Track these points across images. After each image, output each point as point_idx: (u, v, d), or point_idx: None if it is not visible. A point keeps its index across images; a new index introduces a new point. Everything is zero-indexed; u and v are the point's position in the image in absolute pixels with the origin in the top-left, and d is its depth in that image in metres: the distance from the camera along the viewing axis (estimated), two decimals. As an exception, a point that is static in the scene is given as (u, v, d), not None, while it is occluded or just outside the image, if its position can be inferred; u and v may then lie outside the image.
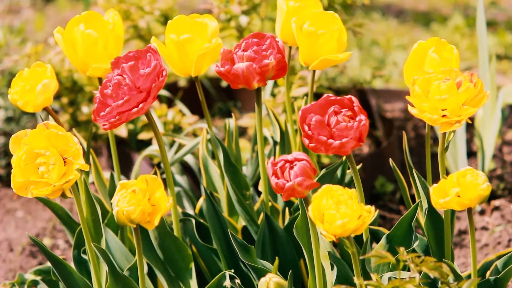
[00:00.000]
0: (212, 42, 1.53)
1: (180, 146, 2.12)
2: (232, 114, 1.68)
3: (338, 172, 1.60)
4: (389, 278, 1.41)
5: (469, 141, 2.49)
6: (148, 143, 2.36)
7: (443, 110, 1.33)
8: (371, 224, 1.57)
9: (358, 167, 1.53)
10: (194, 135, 2.31)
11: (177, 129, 2.25)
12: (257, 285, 1.46)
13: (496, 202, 2.17)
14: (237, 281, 1.49)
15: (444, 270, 1.16)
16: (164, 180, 1.74)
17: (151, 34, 2.38)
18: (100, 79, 1.60)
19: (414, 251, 1.52)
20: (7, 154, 2.45)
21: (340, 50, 1.52)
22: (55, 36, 1.58)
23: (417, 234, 1.46)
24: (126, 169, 2.26)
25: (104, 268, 1.51)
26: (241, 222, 1.71)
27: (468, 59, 3.15)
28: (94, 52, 1.56)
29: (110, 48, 1.57)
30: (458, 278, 1.38)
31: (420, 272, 1.17)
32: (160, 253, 1.57)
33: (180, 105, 2.41)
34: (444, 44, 1.46)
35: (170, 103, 2.54)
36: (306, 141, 1.32)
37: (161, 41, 1.58)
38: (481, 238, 2.05)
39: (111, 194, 1.71)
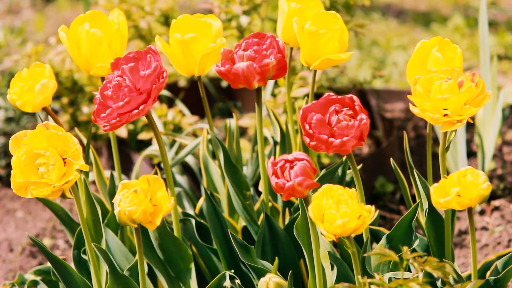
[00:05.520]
0: (216, 42, 1.54)
1: (181, 146, 2.12)
2: (233, 114, 1.68)
3: (339, 172, 1.60)
4: (390, 279, 1.41)
5: (469, 141, 2.49)
6: (148, 143, 2.36)
7: (444, 109, 1.33)
8: (371, 224, 1.57)
9: (359, 167, 1.53)
10: (194, 135, 2.31)
11: (177, 129, 2.25)
12: (257, 285, 1.45)
13: (496, 202, 2.17)
14: (237, 281, 1.49)
15: (447, 269, 1.16)
16: (164, 180, 1.74)
17: (152, 34, 2.38)
18: (103, 79, 1.60)
19: (414, 251, 1.52)
20: (7, 154, 2.45)
21: (342, 50, 1.52)
22: (59, 35, 1.58)
23: (417, 234, 1.46)
24: (126, 169, 2.26)
25: (104, 268, 1.51)
26: (241, 222, 1.70)
27: (468, 59, 3.15)
28: (99, 51, 1.56)
29: (115, 47, 1.57)
30: (458, 278, 1.38)
31: (422, 272, 1.17)
32: (160, 253, 1.57)
33: (180, 105, 2.41)
34: (448, 44, 1.46)
35: (170, 103, 2.54)
36: (307, 140, 1.32)
37: (164, 40, 1.58)
38: (481, 238, 2.05)
39: (111, 193, 1.71)
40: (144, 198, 1.28)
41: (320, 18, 1.52)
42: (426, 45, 1.46)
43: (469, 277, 1.52)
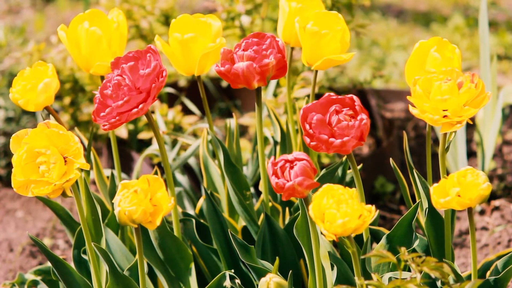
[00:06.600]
0: (216, 42, 1.54)
1: (182, 146, 2.11)
2: (233, 114, 1.68)
3: (339, 172, 1.60)
4: (390, 278, 1.41)
5: (469, 141, 2.49)
6: (148, 143, 2.36)
7: (444, 110, 1.33)
8: (371, 224, 1.57)
9: (359, 167, 1.53)
10: (194, 135, 2.31)
11: (178, 129, 2.25)
12: (257, 285, 1.45)
13: (496, 202, 2.17)
14: (237, 281, 1.49)
15: (445, 270, 1.16)
16: (164, 180, 1.74)
17: (153, 34, 2.38)
18: (102, 78, 1.60)
19: (414, 251, 1.52)
20: (7, 154, 2.45)
21: (343, 50, 1.52)
22: (58, 34, 1.58)
23: (417, 234, 1.46)
24: (126, 169, 2.26)
25: (104, 268, 1.51)
26: (241, 222, 1.71)
27: (468, 59, 3.15)
28: (98, 50, 1.56)
29: (114, 46, 1.58)
30: (458, 278, 1.38)
31: (421, 272, 1.17)
32: (160, 253, 1.57)
33: (186, 102, 2.41)
34: (446, 44, 1.46)
35: (171, 103, 2.54)
36: (307, 140, 1.32)
37: (164, 40, 1.59)
38: (481, 238, 2.05)
39: (111, 193, 1.71)
40: (144, 198, 1.28)
41: (322, 18, 1.52)
42: (424, 46, 1.46)
43: (469, 277, 1.52)
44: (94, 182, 2.33)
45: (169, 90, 2.46)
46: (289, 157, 1.30)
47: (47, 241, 2.16)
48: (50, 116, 1.56)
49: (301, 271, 1.66)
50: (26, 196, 1.35)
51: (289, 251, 1.61)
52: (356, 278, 1.26)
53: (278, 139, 1.72)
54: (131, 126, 2.34)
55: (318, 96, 1.91)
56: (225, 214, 1.70)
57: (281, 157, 1.30)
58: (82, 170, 1.54)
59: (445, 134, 1.40)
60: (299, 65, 2.22)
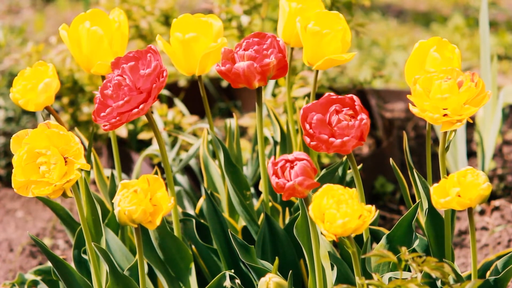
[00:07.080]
0: (217, 42, 1.54)
1: (181, 146, 2.11)
2: (234, 114, 1.68)
3: (339, 172, 1.60)
4: (390, 279, 1.42)
5: (469, 141, 2.49)
6: (148, 143, 2.36)
7: (444, 109, 1.33)
8: (371, 224, 1.57)
9: (359, 167, 1.53)
10: (194, 135, 2.31)
11: (177, 129, 2.24)
12: (257, 285, 1.46)
13: (496, 202, 2.17)
14: (237, 281, 1.49)
15: (446, 270, 1.16)
16: (164, 180, 1.74)
17: (153, 34, 2.38)
18: (103, 78, 1.60)
19: (414, 251, 1.52)
20: (7, 154, 2.45)
21: (344, 50, 1.52)
22: (60, 33, 1.58)
23: (417, 234, 1.47)
24: (126, 169, 2.26)
25: (104, 268, 1.51)
26: (241, 222, 1.71)
27: (468, 59, 3.15)
28: (100, 49, 1.56)
29: (115, 46, 1.58)
30: (458, 278, 1.38)
31: (421, 272, 1.17)
32: (160, 253, 1.57)
33: (179, 105, 2.41)
34: (446, 44, 1.46)
35: (171, 103, 2.54)
36: (307, 140, 1.32)
37: (165, 40, 1.59)
38: (481, 238, 2.05)
39: (111, 193, 1.71)
40: (144, 198, 1.28)
41: (323, 18, 1.52)
42: (424, 46, 1.46)
43: (469, 277, 1.52)
44: (94, 182, 2.33)
45: (166, 93, 2.45)
46: (290, 157, 1.30)
47: (47, 241, 2.16)
48: (51, 116, 1.56)
49: (301, 271, 1.66)
50: (26, 196, 1.35)
51: (289, 251, 1.61)
52: (356, 278, 1.26)
53: (278, 139, 1.72)
54: (131, 126, 2.34)
55: (318, 95, 1.91)
56: (225, 214, 1.70)
57: (281, 157, 1.30)
58: (82, 170, 1.54)
59: (445, 133, 1.40)
60: (297, 65, 2.22)
